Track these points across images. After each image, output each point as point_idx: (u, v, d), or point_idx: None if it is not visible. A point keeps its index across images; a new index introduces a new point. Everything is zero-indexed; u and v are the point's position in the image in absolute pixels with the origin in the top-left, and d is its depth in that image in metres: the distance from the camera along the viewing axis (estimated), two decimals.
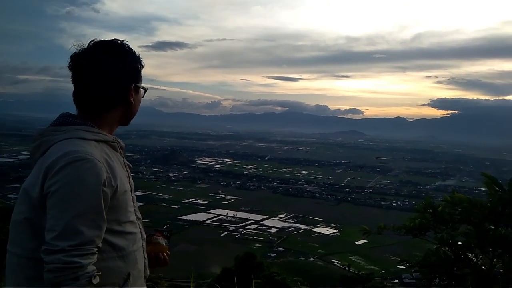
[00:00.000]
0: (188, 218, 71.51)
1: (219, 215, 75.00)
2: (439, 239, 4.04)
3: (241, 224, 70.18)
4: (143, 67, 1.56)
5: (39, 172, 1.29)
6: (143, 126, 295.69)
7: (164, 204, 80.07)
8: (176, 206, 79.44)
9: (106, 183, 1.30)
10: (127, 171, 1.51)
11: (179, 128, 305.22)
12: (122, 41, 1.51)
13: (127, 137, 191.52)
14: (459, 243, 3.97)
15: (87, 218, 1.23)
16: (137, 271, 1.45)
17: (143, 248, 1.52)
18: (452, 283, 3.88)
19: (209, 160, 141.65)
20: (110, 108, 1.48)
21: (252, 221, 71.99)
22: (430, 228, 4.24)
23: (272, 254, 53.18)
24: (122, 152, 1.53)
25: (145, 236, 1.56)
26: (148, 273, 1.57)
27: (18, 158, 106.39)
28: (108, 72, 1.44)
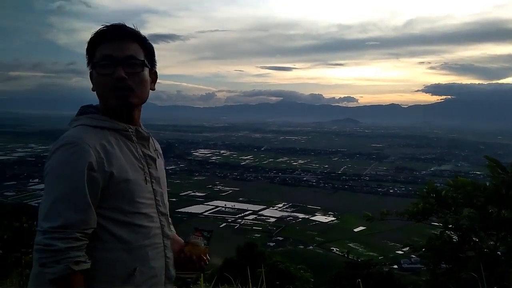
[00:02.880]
0: (186, 211, 71.49)
1: (217, 206, 75.18)
2: (444, 222, 4.07)
3: (240, 215, 70.41)
4: (95, 45, 1.40)
5: None
6: None
7: None
8: (174, 199, 79.24)
9: (95, 167, 1.25)
10: (144, 161, 1.41)
11: (174, 121, 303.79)
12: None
13: None
14: (463, 226, 4.00)
15: (68, 201, 1.21)
16: (149, 268, 1.35)
17: (164, 246, 1.43)
18: (457, 265, 3.93)
19: (205, 152, 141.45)
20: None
21: (250, 212, 72.25)
22: (433, 212, 4.27)
23: (272, 244, 53.47)
24: (144, 143, 1.46)
25: (168, 233, 1.47)
26: (174, 274, 1.47)
27: (13, 156, 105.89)
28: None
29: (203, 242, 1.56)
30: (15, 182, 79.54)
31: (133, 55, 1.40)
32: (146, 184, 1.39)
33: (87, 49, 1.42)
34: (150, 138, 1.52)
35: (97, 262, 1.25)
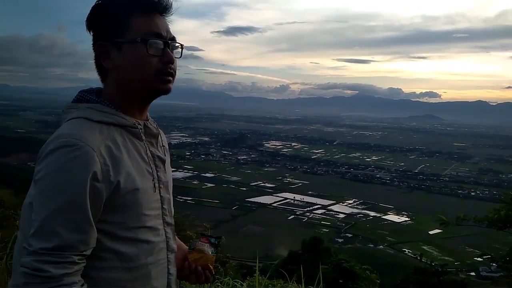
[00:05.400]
0: (255, 201, 72.86)
1: (286, 198, 75.54)
2: None
3: (308, 209, 70.16)
4: (136, 10, 1.15)
5: None
6: (213, 110, 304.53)
7: (233, 186, 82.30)
8: (244, 188, 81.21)
9: (99, 177, 1.03)
10: (152, 164, 1.20)
11: (248, 112, 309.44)
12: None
13: (198, 120, 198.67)
14: None
15: (66, 218, 0.99)
16: None
17: (167, 261, 1.22)
18: None
19: (277, 144, 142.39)
20: (103, 76, 1.20)
21: (319, 206, 71.67)
22: None
23: (340, 240, 52.71)
24: (153, 141, 1.23)
25: (174, 246, 1.26)
26: None
27: None
28: (90, 31, 1.20)
29: (210, 250, 1.37)
30: None
31: (175, 37, 1.21)
32: (154, 191, 1.18)
33: (114, 15, 1.15)
34: (159, 135, 1.28)
35: (94, 283, 1.06)
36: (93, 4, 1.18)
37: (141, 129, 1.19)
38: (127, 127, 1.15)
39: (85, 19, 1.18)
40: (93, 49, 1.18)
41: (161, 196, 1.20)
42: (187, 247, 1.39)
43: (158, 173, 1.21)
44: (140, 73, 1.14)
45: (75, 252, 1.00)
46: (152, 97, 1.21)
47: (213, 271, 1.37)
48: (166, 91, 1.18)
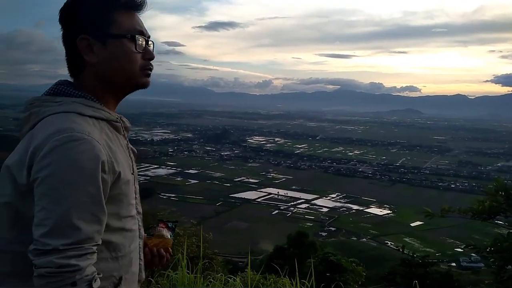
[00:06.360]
0: (240, 196, 72.92)
1: (270, 193, 75.87)
2: None
3: (292, 203, 70.66)
4: (118, 7, 1.17)
5: (26, 150, 1.05)
6: (195, 106, 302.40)
7: (217, 182, 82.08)
8: (228, 184, 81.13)
9: (106, 169, 1.06)
10: (130, 157, 1.24)
11: (230, 107, 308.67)
12: None
13: (181, 116, 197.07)
14: None
15: (84, 211, 1.00)
16: (130, 274, 1.21)
17: (139, 247, 1.27)
18: None
19: (260, 139, 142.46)
20: (78, 71, 1.19)
21: (303, 200, 72.21)
22: (501, 212, 3.95)
23: (324, 234, 53.20)
24: (126, 134, 1.26)
25: (143, 233, 1.30)
26: (144, 277, 1.32)
27: None
28: (62, 25, 1.18)
29: (168, 234, 1.45)
30: None
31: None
32: (134, 183, 1.23)
33: (96, 11, 1.15)
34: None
35: None
36: None
37: (122, 123, 1.23)
38: (111, 121, 1.18)
39: (59, 13, 1.18)
40: (64, 44, 1.19)
41: (135, 186, 1.24)
42: (146, 234, 1.40)
43: (133, 165, 1.25)
44: (126, 68, 1.18)
45: (93, 243, 1.02)
46: (131, 91, 1.26)
47: (171, 253, 1.44)
48: (147, 85, 1.24)
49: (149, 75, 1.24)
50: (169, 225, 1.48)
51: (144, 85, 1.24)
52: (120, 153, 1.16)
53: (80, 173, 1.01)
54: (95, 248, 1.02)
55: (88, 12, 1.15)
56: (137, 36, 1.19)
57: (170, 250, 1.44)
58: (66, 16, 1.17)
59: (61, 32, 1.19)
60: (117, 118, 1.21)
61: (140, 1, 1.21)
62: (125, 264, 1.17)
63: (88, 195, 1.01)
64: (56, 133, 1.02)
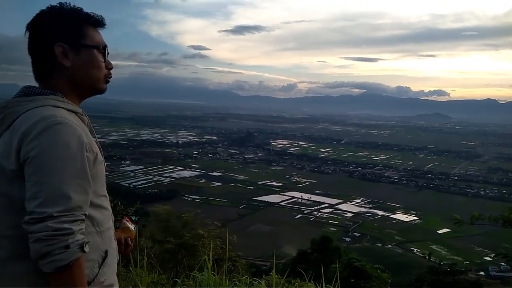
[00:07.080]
0: (263, 199, 72.88)
1: (293, 197, 75.53)
2: None
3: (316, 207, 70.08)
4: (88, 23, 1.39)
5: (11, 141, 1.19)
6: (220, 109, 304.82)
7: (240, 185, 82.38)
8: (252, 187, 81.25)
9: (88, 148, 1.23)
10: (98, 146, 1.39)
11: (255, 111, 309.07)
12: (61, 3, 1.37)
13: (205, 119, 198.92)
14: None
15: (74, 182, 1.16)
16: (112, 249, 1.39)
17: (112, 228, 1.44)
18: None
19: (284, 142, 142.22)
20: (47, 75, 1.35)
21: (327, 205, 71.51)
22: None
23: (348, 239, 52.58)
24: (91, 128, 1.42)
25: (113, 217, 1.47)
26: (119, 258, 1.48)
27: (108, 139, 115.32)
28: (34, 34, 1.34)
29: (132, 226, 1.62)
30: (109, 163, 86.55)
31: None
32: (104, 166, 1.41)
33: (71, 24, 1.35)
34: None
35: None
36: (40, 11, 1.36)
37: (87, 117, 1.40)
38: (78, 114, 1.34)
39: (34, 22, 1.34)
40: (35, 50, 1.34)
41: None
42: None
43: (101, 151, 1.40)
44: (94, 74, 1.40)
45: (82, 212, 1.18)
46: (92, 95, 1.46)
47: (134, 243, 1.63)
48: (105, 90, 1.47)
49: (108, 82, 1.46)
50: (133, 218, 1.67)
51: (103, 91, 1.46)
52: (91, 138, 1.33)
53: (68, 150, 1.17)
54: (83, 216, 1.18)
55: (64, 24, 1.34)
56: (102, 47, 1.41)
57: (133, 240, 1.61)
58: (43, 25, 1.33)
59: (30, 41, 1.35)
60: (82, 111, 1.37)
61: (104, 21, 1.43)
62: (107, 239, 1.35)
63: (76, 169, 1.17)
64: (41, 120, 1.18)
